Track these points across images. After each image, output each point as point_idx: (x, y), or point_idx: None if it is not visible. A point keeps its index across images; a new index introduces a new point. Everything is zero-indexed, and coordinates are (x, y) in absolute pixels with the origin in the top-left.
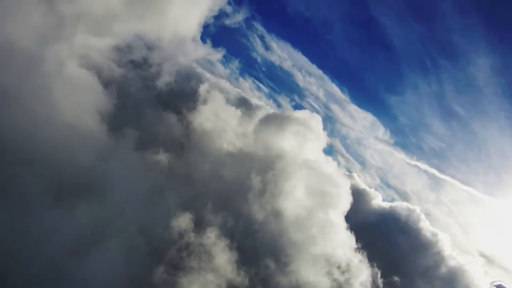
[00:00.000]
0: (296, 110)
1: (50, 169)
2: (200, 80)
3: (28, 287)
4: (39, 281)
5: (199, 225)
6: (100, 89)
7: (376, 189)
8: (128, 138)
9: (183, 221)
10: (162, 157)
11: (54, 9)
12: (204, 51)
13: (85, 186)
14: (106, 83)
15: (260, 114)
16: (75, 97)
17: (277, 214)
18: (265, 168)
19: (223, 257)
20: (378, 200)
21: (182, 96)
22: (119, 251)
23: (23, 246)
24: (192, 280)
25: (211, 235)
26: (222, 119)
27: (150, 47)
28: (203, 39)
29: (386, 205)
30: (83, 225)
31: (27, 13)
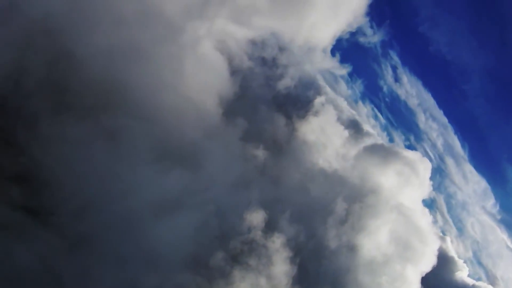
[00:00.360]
0: (407, 150)
1: (159, 130)
2: (318, 91)
3: (100, 231)
4: (111, 229)
5: (269, 227)
6: (227, 75)
7: (465, 262)
8: (236, 126)
9: (256, 217)
10: (260, 153)
11: None
12: (331, 64)
13: (184, 156)
14: (233, 71)
15: (368, 142)
16: (202, 75)
17: (351, 248)
18: (354, 197)
19: (281, 268)
20: (463, 274)
21: (297, 102)
22: (192, 225)
23: (110, 190)
24: (244, 277)
25: (277, 241)
26: (328, 135)
27: (281, 48)
28: (333, 51)
29: (470, 281)
30: (170, 190)
31: None
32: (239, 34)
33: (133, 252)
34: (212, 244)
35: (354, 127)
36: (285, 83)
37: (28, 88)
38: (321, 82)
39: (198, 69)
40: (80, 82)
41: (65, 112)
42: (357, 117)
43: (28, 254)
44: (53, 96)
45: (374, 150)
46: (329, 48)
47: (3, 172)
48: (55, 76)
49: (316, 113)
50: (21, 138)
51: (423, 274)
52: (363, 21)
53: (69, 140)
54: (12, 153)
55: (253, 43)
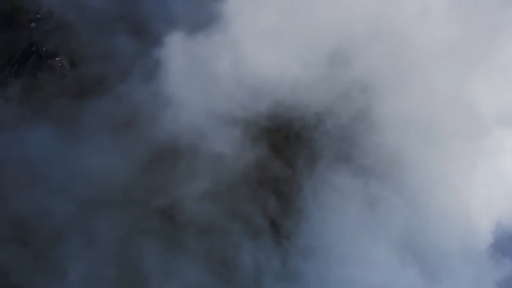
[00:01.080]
0: None
1: (413, 219)
2: None
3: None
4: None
5: None
6: None
7: None
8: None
9: None
10: None
11: None
12: None
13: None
14: None
15: None
16: (490, 186)
17: None
18: None
19: None
20: None
21: None
22: None
23: (341, 250)
24: None
25: None
26: None
27: None
28: None
29: None
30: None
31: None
32: None
33: None
34: None
35: None
36: None
37: (325, 130)
38: None
39: (489, 179)
40: (368, 142)
41: (343, 163)
42: None
43: (249, 256)
44: (341, 145)
45: None
46: None
47: (274, 185)
48: (352, 129)
49: None
50: (298, 165)
51: None
52: None
53: (333, 187)
54: (287, 175)
55: None
